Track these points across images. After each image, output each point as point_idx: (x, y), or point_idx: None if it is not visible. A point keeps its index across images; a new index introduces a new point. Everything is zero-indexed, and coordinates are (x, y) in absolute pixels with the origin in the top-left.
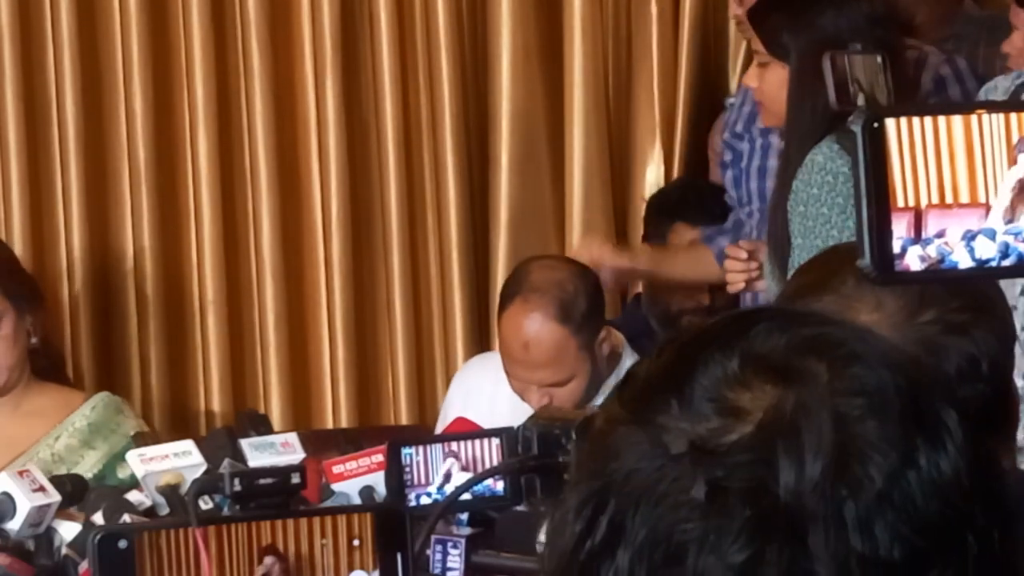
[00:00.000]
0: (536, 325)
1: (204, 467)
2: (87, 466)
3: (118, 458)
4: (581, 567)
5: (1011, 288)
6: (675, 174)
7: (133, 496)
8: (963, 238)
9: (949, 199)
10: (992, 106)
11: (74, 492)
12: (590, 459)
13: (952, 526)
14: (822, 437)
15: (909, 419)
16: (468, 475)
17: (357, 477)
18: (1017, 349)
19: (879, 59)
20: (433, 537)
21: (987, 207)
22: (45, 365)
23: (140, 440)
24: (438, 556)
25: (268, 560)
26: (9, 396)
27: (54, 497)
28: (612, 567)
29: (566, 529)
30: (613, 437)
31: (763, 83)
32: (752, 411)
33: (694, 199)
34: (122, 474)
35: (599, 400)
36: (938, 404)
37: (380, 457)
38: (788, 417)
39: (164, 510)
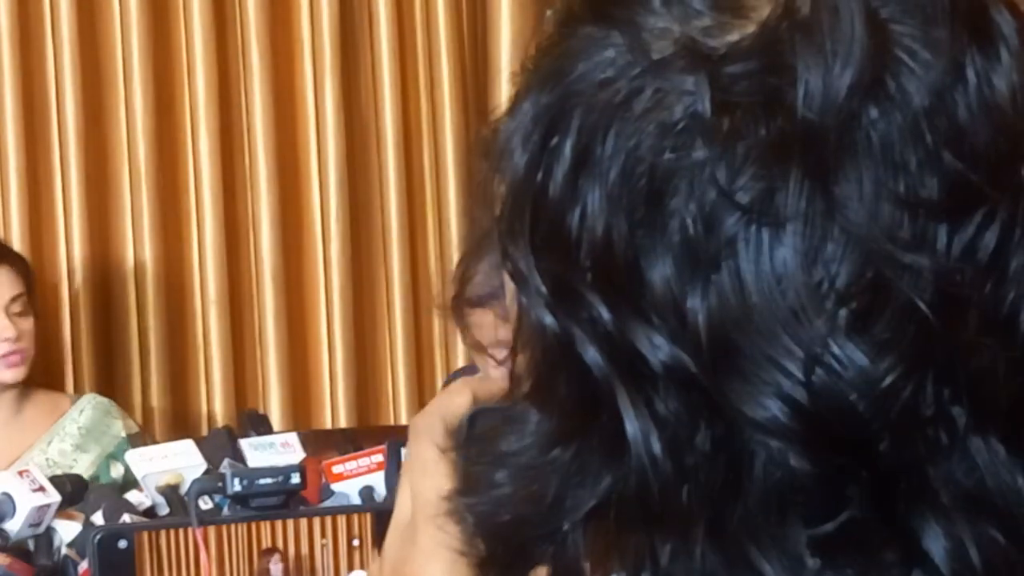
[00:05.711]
0: None
1: (204, 467)
2: (81, 469)
3: (111, 458)
4: (535, 206)
5: None
6: None
7: (133, 496)
8: None
9: None
10: None
11: (74, 492)
12: (543, 65)
13: (1004, 156)
14: (852, 38)
15: (958, 21)
16: None
17: (357, 477)
18: None
19: None
20: None
21: None
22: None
23: (136, 440)
24: None
25: (272, 558)
26: (3, 402)
27: (54, 497)
28: (577, 209)
29: (513, 155)
30: (573, 40)
31: None
32: (757, 5)
33: None
34: (115, 473)
35: None
36: (990, 4)
37: (380, 457)
38: (806, 11)
39: (164, 510)
